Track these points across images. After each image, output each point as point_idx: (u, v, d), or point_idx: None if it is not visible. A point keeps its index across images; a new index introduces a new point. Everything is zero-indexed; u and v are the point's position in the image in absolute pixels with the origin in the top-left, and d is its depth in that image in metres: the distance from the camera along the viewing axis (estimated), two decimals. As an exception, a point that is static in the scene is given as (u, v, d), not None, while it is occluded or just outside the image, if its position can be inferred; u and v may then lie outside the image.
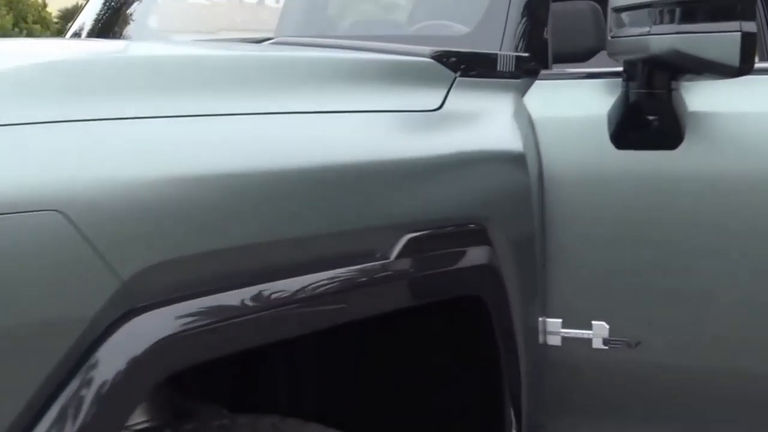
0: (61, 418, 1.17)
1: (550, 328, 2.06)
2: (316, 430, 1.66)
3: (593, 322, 2.05)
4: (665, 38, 1.82)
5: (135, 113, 1.33)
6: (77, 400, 1.18)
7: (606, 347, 2.05)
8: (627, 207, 2.01)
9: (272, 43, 2.02)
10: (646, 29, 1.85)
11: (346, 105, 1.69)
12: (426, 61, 1.90)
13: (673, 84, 1.93)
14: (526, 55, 2.14)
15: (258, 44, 2.04)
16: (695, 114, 1.97)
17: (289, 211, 1.43)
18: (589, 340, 2.06)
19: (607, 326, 2.04)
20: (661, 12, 1.83)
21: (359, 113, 1.71)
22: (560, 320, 2.06)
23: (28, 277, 1.15)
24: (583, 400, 2.12)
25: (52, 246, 1.16)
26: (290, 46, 1.96)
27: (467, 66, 1.96)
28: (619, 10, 1.94)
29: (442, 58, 1.92)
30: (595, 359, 2.06)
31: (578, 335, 2.06)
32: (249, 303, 1.35)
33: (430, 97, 1.86)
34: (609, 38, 1.97)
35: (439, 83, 1.90)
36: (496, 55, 2.07)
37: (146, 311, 1.24)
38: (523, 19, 2.16)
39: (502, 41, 2.13)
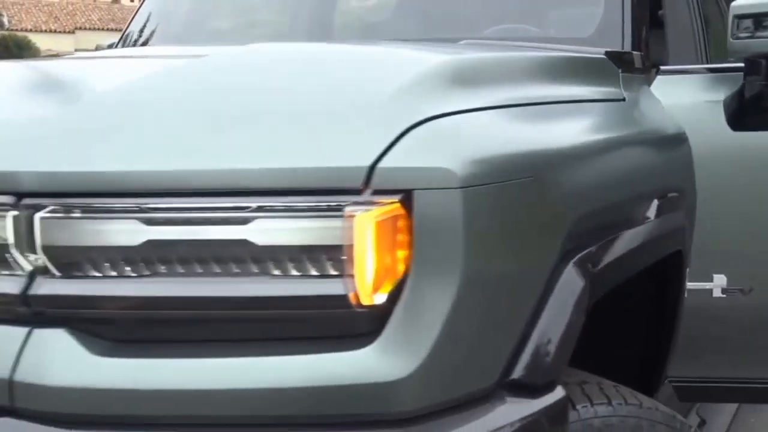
0: (537, 342, 1.46)
1: None
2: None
3: (714, 275, 2.47)
4: None
5: (533, 99, 1.63)
6: (547, 328, 1.47)
7: (724, 295, 2.48)
8: (741, 176, 2.45)
9: (468, 43, 2.30)
10: None
11: (573, 95, 2.02)
12: (603, 59, 2.25)
13: None
14: (642, 53, 2.53)
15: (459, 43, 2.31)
16: None
17: (628, 176, 1.77)
18: (709, 290, 2.48)
19: (725, 278, 2.47)
20: None
21: (583, 102, 2.04)
22: (685, 275, 2.48)
23: (517, 233, 1.43)
24: (700, 344, 2.53)
25: (531, 206, 1.45)
26: (489, 46, 2.26)
27: (624, 63, 2.32)
28: (742, 17, 2.37)
29: (611, 56, 2.28)
30: (713, 306, 2.48)
31: (700, 287, 2.48)
32: (628, 244, 1.69)
33: (613, 90, 2.20)
34: (731, 39, 2.39)
35: (612, 78, 2.25)
36: (632, 53, 2.45)
37: (575, 254, 1.54)
38: (635, 22, 2.55)
39: (622, 41, 2.51)
